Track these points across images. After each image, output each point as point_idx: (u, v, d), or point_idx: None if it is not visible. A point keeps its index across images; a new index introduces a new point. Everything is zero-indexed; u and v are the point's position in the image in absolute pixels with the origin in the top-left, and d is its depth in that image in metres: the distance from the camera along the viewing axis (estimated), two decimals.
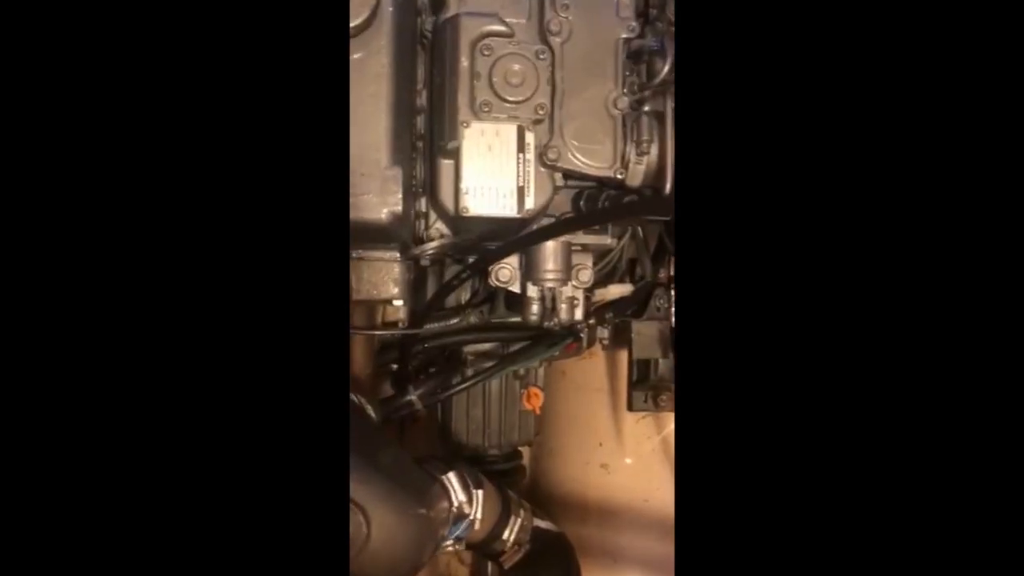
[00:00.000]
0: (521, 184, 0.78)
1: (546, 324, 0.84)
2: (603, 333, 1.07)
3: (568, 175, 0.81)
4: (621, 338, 1.10)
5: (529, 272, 0.83)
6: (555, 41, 0.78)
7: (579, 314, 0.86)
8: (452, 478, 0.77)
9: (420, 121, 0.83)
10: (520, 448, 1.16)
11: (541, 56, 0.78)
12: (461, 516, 0.78)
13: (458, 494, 0.77)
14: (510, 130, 0.77)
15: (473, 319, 0.97)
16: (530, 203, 0.78)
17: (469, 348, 1.02)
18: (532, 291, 0.83)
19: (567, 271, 0.83)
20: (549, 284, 0.82)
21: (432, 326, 0.96)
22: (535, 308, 0.83)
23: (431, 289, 1.01)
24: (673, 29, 0.81)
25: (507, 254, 0.83)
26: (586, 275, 0.85)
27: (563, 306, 0.84)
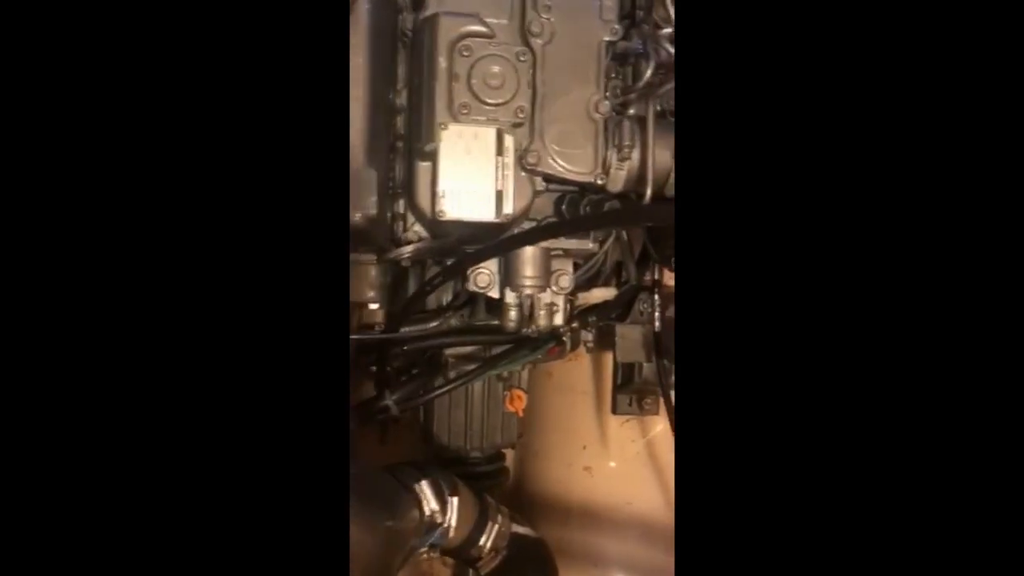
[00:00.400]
0: (499, 188, 0.76)
1: (524, 331, 0.83)
2: (587, 336, 1.07)
3: (548, 179, 0.79)
4: (606, 341, 1.09)
5: (507, 278, 0.82)
6: (536, 43, 0.76)
7: (558, 320, 0.84)
8: (425, 486, 0.76)
9: (400, 121, 0.82)
10: (504, 449, 1.15)
11: (522, 58, 0.76)
12: (433, 525, 0.77)
13: (430, 503, 0.76)
14: (489, 133, 0.76)
15: (454, 322, 0.95)
16: (508, 208, 0.76)
17: (450, 351, 1.01)
18: (510, 297, 0.82)
19: (546, 277, 0.82)
20: (527, 291, 0.81)
21: (412, 328, 0.95)
22: (513, 315, 0.82)
23: (413, 289, 0.99)
24: (658, 32, 0.80)
25: (486, 258, 0.81)
26: (566, 281, 0.84)
27: (541, 313, 0.82)
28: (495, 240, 0.78)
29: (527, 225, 0.82)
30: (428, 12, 0.76)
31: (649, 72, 0.77)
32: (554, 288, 0.84)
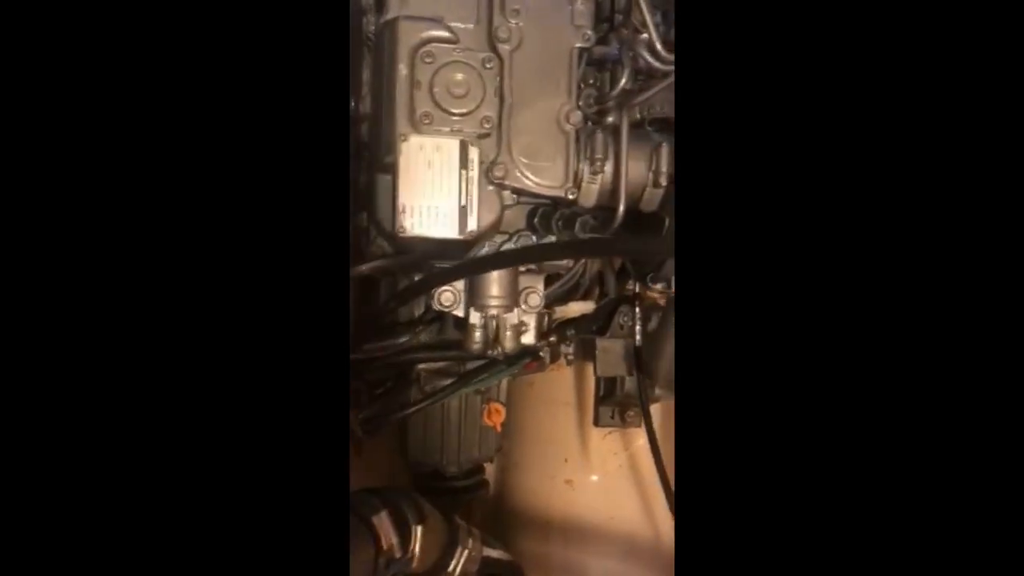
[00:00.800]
0: (463, 203, 0.72)
1: (490, 353, 0.79)
2: (567, 349, 1.03)
3: (517, 193, 0.75)
4: (588, 352, 1.05)
5: (472, 297, 0.78)
6: (504, 49, 0.72)
7: (528, 340, 0.80)
8: (384, 518, 0.73)
9: (364, 129, 0.78)
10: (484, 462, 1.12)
11: (488, 65, 0.71)
12: (392, 559, 0.73)
13: (390, 536, 0.72)
14: (452, 145, 0.71)
15: (424, 337, 0.91)
16: (473, 224, 0.72)
17: (422, 365, 0.97)
18: (475, 318, 0.77)
19: (513, 296, 0.78)
20: (492, 311, 0.77)
21: (381, 344, 0.91)
22: (478, 336, 0.78)
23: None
24: (639, 36, 0.75)
25: (451, 279, 0.77)
26: (535, 299, 0.80)
27: (508, 334, 0.78)
28: (461, 261, 0.74)
29: (498, 239, 0.78)
30: (389, 15, 0.72)
31: (624, 79, 0.73)
32: (523, 307, 0.80)
